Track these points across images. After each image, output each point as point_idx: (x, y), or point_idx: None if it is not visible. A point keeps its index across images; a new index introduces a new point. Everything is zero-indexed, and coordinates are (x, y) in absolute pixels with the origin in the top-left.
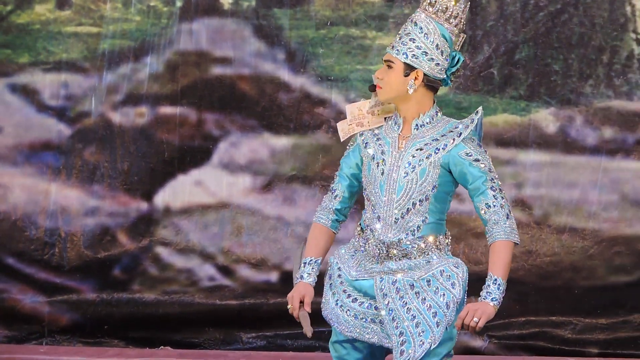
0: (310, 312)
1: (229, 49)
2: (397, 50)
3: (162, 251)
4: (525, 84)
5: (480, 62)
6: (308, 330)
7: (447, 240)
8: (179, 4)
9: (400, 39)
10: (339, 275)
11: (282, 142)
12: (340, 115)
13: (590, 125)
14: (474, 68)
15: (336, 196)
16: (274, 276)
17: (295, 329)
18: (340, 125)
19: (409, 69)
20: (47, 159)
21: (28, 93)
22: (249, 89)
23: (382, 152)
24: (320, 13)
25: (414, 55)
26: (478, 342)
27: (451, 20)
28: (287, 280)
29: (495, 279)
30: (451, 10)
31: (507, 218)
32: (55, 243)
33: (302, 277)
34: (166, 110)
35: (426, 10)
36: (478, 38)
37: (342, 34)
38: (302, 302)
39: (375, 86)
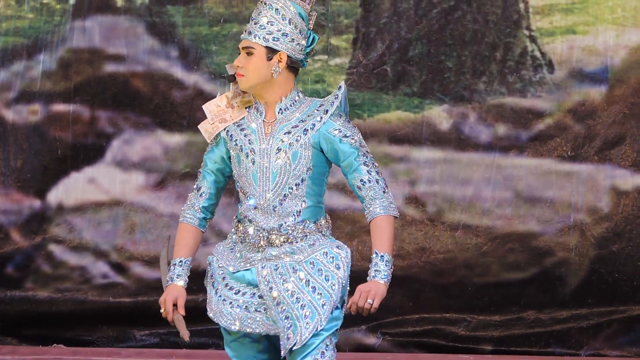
0: (184, 314)
1: (122, 47)
2: (256, 35)
3: (55, 249)
4: (418, 81)
5: (374, 59)
6: (185, 334)
7: (327, 224)
8: (72, 1)
9: (256, 23)
10: (221, 272)
11: (175, 139)
12: None
13: (483, 122)
14: (367, 65)
15: (202, 194)
16: None
17: (188, 327)
18: (203, 127)
19: (271, 52)
20: None
21: None
22: (142, 86)
23: (250, 142)
24: (213, 10)
25: (274, 37)
26: (372, 339)
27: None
28: None
29: (382, 256)
30: None
31: (384, 192)
32: None
33: (172, 279)
34: (59, 107)
35: None
36: (371, 35)
37: (235, 31)
38: (175, 305)
39: (234, 76)
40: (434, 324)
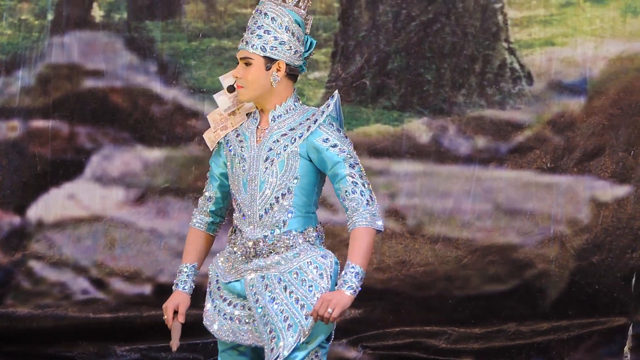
0: (183, 322)
1: (101, 62)
2: (253, 44)
3: (35, 265)
4: (397, 94)
5: (353, 73)
6: (174, 343)
7: (316, 233)
8: (50, 17)
9: (252, 33)
10: (217, 281)
11: (154, 154)
12: None
13: (463, 135)
14: (346, 79)
15: (209, 198)
16: (147, 289)
17: (168, 341)
18: (207, 135)
19: (269, 61)
20: None
21: None
22: (122, 102)
23: (242, 148)
24: (192, 25)
25: (272, 47)
26: (352, 353)
27: (300, 4)
28: (160, 293)
29: (353, 267)
30: None
31: (368, 204)
32: None
33: (177, 285)
34: (38, 123)
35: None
36: (350, 48)
37: (214, 45)
38: (177, 311)
39: (233, 87)
40: (415, 337)
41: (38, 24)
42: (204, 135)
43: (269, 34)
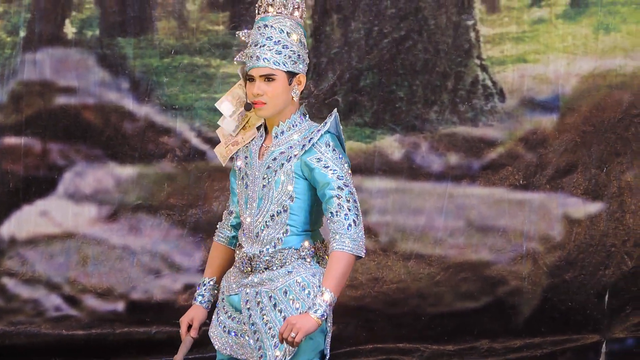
0: (195, 337)
1: (73, 79)
2: (275, 61)
3: (7, 282)
4: (370, 110)
5: (325, 90)
6: (177, 357)
7: (313, 251)
8: (22, 34)
9: (270, 49)
10: (222, 293)
11: (127, 171)
12: (185, 144)
13: (435, 152)
14: (318, 95)
15: (231, 212)
16: (120, 306)
17: (141, 358)
18: (218, 150)
19: (291, 76)
20: None
21: None
22: (94, 119)
23: (246, 164)
24: (164, 42)
25: (293, 61)
26: None
27: (303, 15)
28: (133, 310)
29: (323, 291)
30: (301, 6)
31: (349, 228)
32: None
33: (195, 298)
34: (10, 140)
35: (281, 13)
36: (322, 65)
37: (186, 62)
38: (191, 325)
39: (250, 105)
40: (388, 354)
41: (10, 41)
42: (215, 150)
43: (287, 48)
